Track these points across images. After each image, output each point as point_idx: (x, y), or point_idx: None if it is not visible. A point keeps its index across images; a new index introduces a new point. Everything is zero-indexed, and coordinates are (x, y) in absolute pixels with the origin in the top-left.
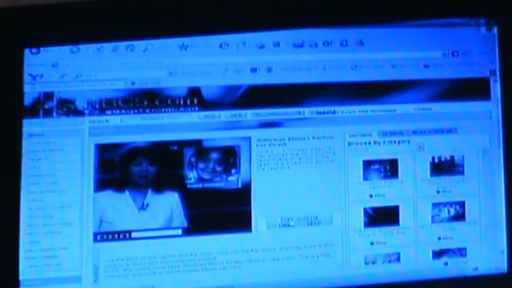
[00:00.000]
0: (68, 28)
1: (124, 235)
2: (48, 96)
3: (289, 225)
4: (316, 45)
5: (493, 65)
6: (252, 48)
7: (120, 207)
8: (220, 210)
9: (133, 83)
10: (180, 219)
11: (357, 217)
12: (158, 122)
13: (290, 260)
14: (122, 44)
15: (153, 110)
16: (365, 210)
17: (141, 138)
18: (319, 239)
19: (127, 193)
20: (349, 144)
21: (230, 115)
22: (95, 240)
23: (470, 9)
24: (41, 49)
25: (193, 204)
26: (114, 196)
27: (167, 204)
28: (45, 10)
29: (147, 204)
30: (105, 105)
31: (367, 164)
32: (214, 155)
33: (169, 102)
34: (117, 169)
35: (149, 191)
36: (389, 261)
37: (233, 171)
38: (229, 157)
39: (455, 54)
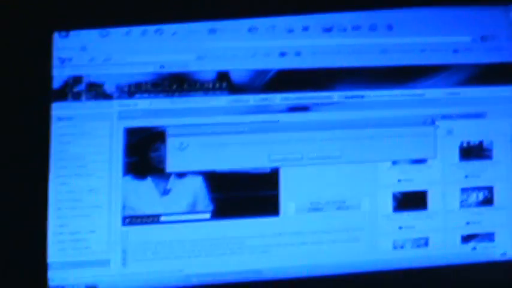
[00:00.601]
0: (97, 12)
1: (152, 219)
2: (77, 79)
3: (317, 210)
4: (345, 29)
5: None
6: (281, 32)
7: (142, 193)
8: (249, 194)
9: (162, 67)
10: (205, 203)
11: (385, 201)
12: (187, 105)
13: (318, 244)
14: (151, 28)
15: (182, 94)
16: (393, 194)
17: (170, 122)
18: (347, 224)
19: (149, 179)
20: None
21: (259, 99)
22: (124, 223)
23: None
24: (70, 33)
25: (220, 188)
26: (136, 181)
27: (190, 189)
28: None
29: (170, 189)
30: (134, 89)
31: None
32: None
33: (198, 86)
34: (138, 154)
35: (172, 176)
36: (418, 246)
37: None
38: None
39: (484, 38)
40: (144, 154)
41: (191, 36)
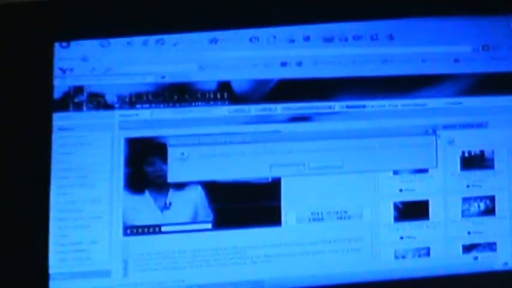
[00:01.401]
0: (98, 22)
1: (154, 229)
2: (78, 90)
3: (319, 220)
4: (346, 39)
5: None
6: (282, 42)
7: (141, 208)
8: (250, 204)
9: (163, 77)
10: (206, 213)
11: (386, 211)
12: (188, 116)
13: (320, 254)
14: (152, 38)
15: (183, 104)
16: (395, 204)
17: (171, 132)
18: (349, 234)
19: (147, 193)
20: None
21: (260, 109)
22: (125, 234)
23: (499, 3)
24: (71, 43)
25: (221, 198)
26: (135, 196)
27: (191, 200)
28: (75, 4)
29: (170, 204)
30: (135, 99)
31: None
32: None
33: (199, 96)
34: (138, 167)
35: (171, 190)
36: (419, 256)
37: None
38: None
39: (486, 48)
40: (142, 167)
41: (192, 46)
